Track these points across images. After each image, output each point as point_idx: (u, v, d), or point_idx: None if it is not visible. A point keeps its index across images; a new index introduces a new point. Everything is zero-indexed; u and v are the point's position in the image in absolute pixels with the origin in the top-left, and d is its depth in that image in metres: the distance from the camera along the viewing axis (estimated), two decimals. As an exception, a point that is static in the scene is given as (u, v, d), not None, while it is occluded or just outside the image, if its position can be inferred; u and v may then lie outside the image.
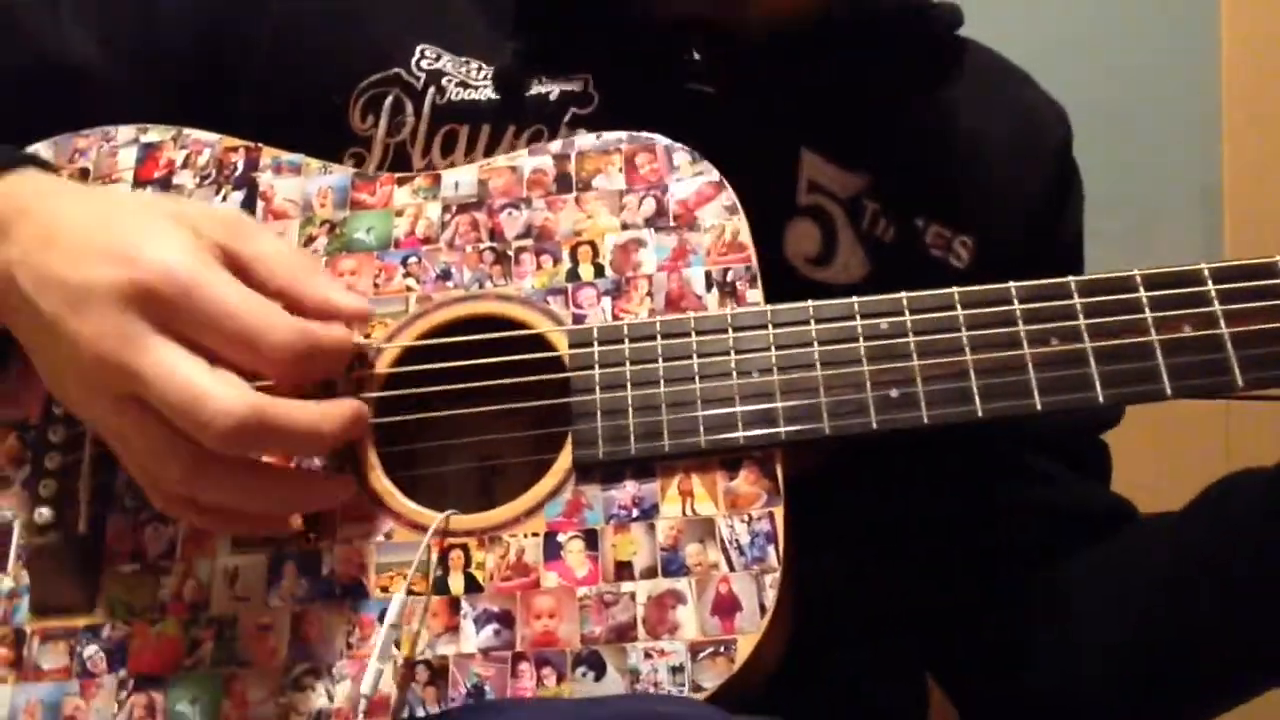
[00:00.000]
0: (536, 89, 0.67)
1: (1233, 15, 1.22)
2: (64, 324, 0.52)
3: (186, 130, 0.68)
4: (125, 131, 0.68)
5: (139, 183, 0.67)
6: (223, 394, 0.50)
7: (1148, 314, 0.56)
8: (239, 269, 0.55)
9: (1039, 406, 0.56)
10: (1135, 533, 0.69)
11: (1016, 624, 0.69)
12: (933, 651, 0.75)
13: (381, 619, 0.56)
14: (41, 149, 0.68)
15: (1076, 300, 0.57)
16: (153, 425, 0.52)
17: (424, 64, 0.68)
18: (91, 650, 0.57)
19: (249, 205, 0.66)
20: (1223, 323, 0.55)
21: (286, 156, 0.67)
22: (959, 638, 0.73)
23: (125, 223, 0.55)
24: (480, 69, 0.68)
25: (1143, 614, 0.63)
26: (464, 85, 0.67)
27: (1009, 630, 0.70)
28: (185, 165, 0.67)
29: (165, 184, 0.67)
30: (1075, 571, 0.68)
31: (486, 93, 0.67)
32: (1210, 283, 0.56)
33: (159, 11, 0.71)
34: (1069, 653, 0.66)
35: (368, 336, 0.62)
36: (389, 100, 0.67)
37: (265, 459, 0.57)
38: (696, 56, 0.66)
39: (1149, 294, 0.56)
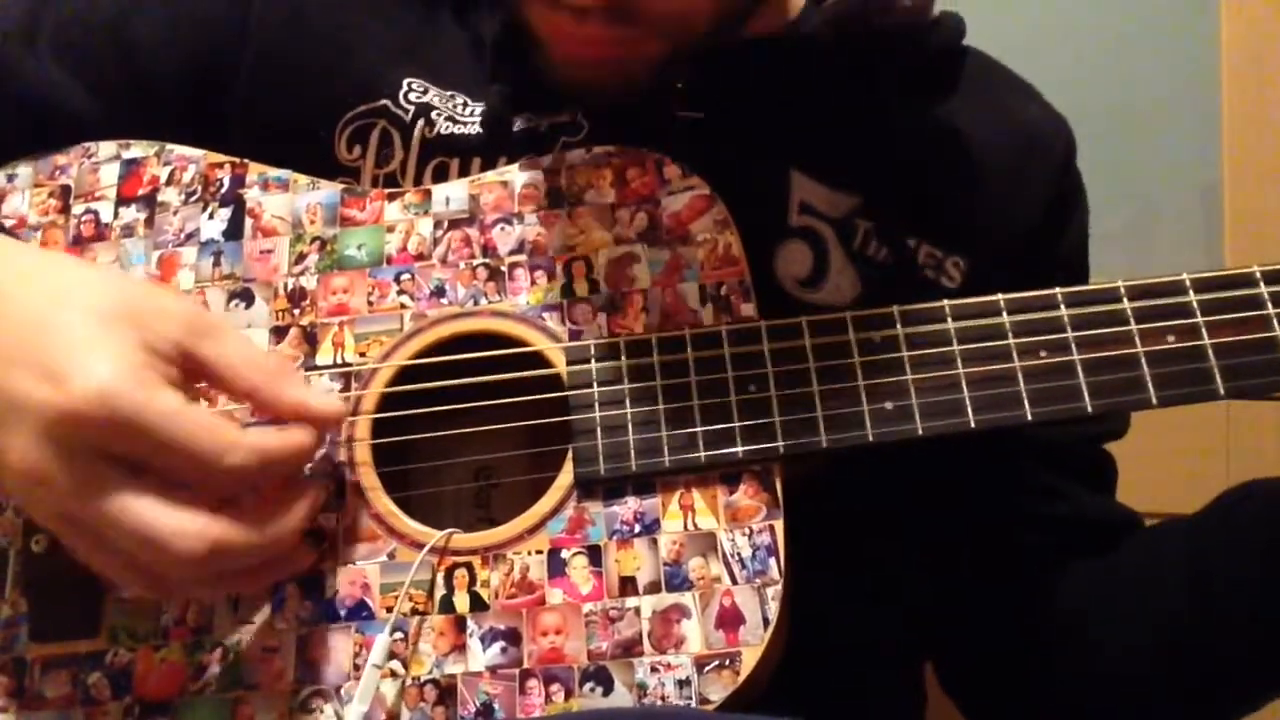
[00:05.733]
0: (525, 125, 0.66)
1: (1233, 15, 1.23)
2: None
3: (169, 146, 0.67)
4: (107, 148, 0.67)
5: (122, 200, 0.66)
6: (180, 534, 0.49)
7: (1133, 325, 0.58)
8: (198, 371, 0.53)
9: (1029, 417, 0.57)
10: (1147, 538, 0.70)
11: (1025, 633, 0.71)
12: (941, 660, 0.77)
13: (391, 634, 0.56)
14: (21, 166, 0.67)
15: (1064, 312, 0.58)
16: (101, 552, 0.51)
17: (411, 96, 0.67)
18: (95, 677, 0.57)
19: (236, 222, 0.65)
20: (1205, 333, 0.57)
21: (273, 172, 0.66)
22: (966, 647, 0.75)
23: (68, 327, 0.50)
24: (467, 105, 0.67)
25: (1156, 619, 0.64)
26: (452, 120, 0.67)
27: (1017, 639, 0.71)
28: (170, 182, 0.66)
29: (149, 201, 0.66)
30: (1084, 581, 0.69)
31: (475, 128, 0.67)
32: (1192, 293, 0.58)
33: (139, 48, 0.69)
34: (1080, 660, 0.68)
35: (364, 355, 0.62)
36: (376, 132, 0.67)
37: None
38: (680, 85, 0.66)
39: (1133, 305, 0.58)
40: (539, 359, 0.61)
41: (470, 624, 0.57)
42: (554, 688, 0.55)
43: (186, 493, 0.50)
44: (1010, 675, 0.73)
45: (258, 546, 0.52)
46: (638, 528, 0.57)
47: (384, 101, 0.67)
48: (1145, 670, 0.65)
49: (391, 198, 0.65)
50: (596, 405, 0.59)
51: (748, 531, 0.57)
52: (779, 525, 0.57)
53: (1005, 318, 0.59)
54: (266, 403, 0.54)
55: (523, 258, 0.63)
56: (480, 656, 0.56)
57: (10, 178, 0.67)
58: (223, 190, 0.66)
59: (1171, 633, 0.63)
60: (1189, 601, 0.62)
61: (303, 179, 0.66)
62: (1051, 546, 0.71)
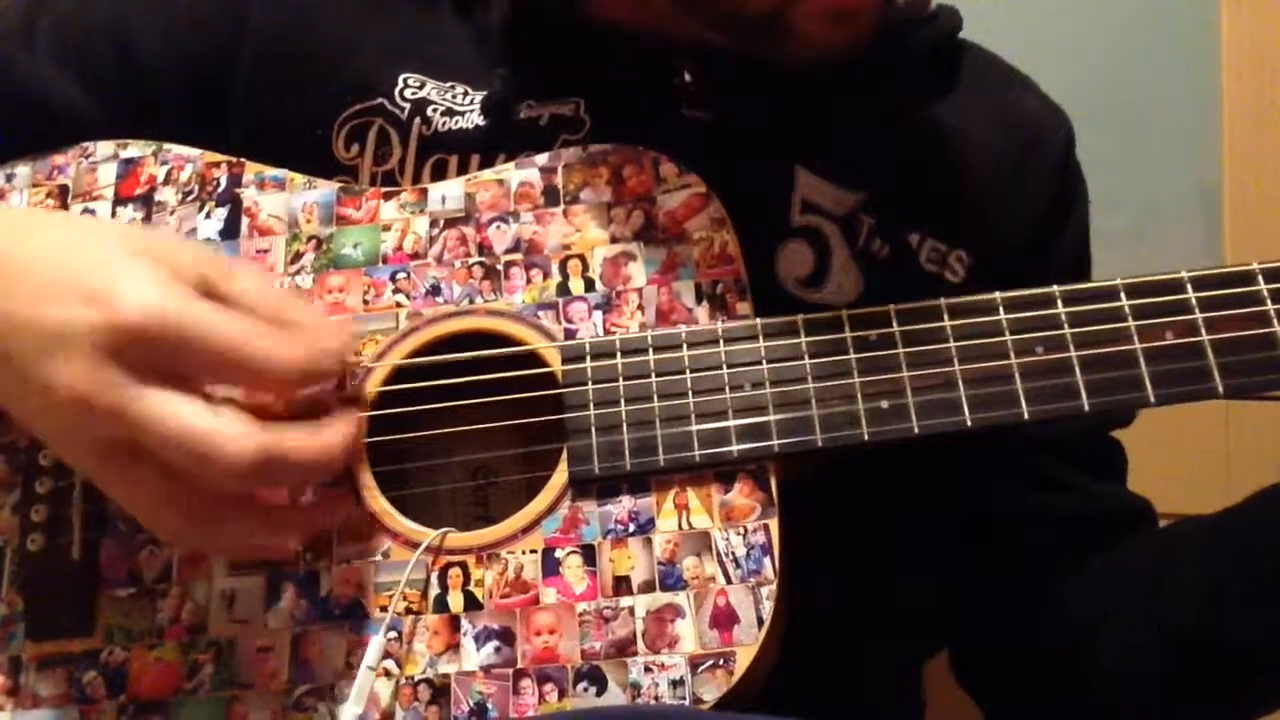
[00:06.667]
0: (526, 113, 0.66)
1: (1233, 15, 1.23)
2: (34, 370, 0.50)
3: (167, 145, 0.67)
4: (104, 147, 0.67)
5: (120, 199, 0.66)
6: (231, 436, 0.50)
7: (1130, 322, 0.57)
8: (221, 302, 0.53)
9: (1026, 415, 0.57)
10: (1163, 537, 0.69)
11: (1039, 630, 0.70)
12: (956, 657, 0.76)
13: (385, 635, 0.56)
14: (19, 166, 0.67)
15: (1061, 309, 0.58)
16: (146, 475, 0.51)
17: (407, 94, 0.67)
18: (90, 676, 0.57)
19: (233, 221, 0.65)
20: (1203, 330, 0.56)
21: (270, 172, 0.66)
22: (981, 644, 0.75)
23: (96, 257, 0.52)
24: (466, 94, 0.67)
25: (1171, 620, 0.64)
26: (450, 113, 0.66)
27: (1032, 636, 0.71)
28: (167, 181, 0.66)
29: (147, 200, 0.66)
30: (1099, 578, 0.69)
31: (474, 118, 0.66)
32: (1191, 290, 0.57)
33: (137, 48, 0.69)
34: (1094, 658, 0.67)
35: (359, 354, 0.62)
36: (373, 131, 0.67)
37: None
38: (688, 78, 0.66)
39: (1131, 302, 0.58)
40: (534, 358, 0.61)
41: (464, 623, 0.56)
42: (547, 687, 0.55)
43: (235, 404, 0.51)
44: (1026, 672, 0.72)
45: (308, 453, 0.52)
46: (632, 527, 0.57)
47: (380, 100, 0.67)
48: (1159, 670, 0.64)
49: (387, 196, 0.65)
50: (591, 404, 0.59)
51: (742, 531, 0.57)
52: (774, 524, 0.57)
53: (1002, 315, 0.58)
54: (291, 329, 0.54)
55: (518, 256, 0.63)
56: (474, 656, 0.56)
57: (8, 177, 0.67)
58: (219, 189, 0.66)
59: (1186, 633, 0.63)
60: (1204, 604, 0.61)
61: (299, 178, 0.66)
62: (1062, 539, 0.70)
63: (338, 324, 0.58)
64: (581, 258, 0.63)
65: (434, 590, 0.57)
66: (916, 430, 0.57)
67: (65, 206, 0.66)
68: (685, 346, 0.59)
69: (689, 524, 0.57)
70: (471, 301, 0.62)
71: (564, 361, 0.60)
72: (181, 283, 0.52)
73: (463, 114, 0.67)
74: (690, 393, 0.58)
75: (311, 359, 0.53)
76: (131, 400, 0.49)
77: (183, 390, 0.50)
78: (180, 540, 0.57)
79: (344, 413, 0.57)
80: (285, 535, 0.56)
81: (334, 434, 0.54)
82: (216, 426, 0.50)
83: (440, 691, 0.55)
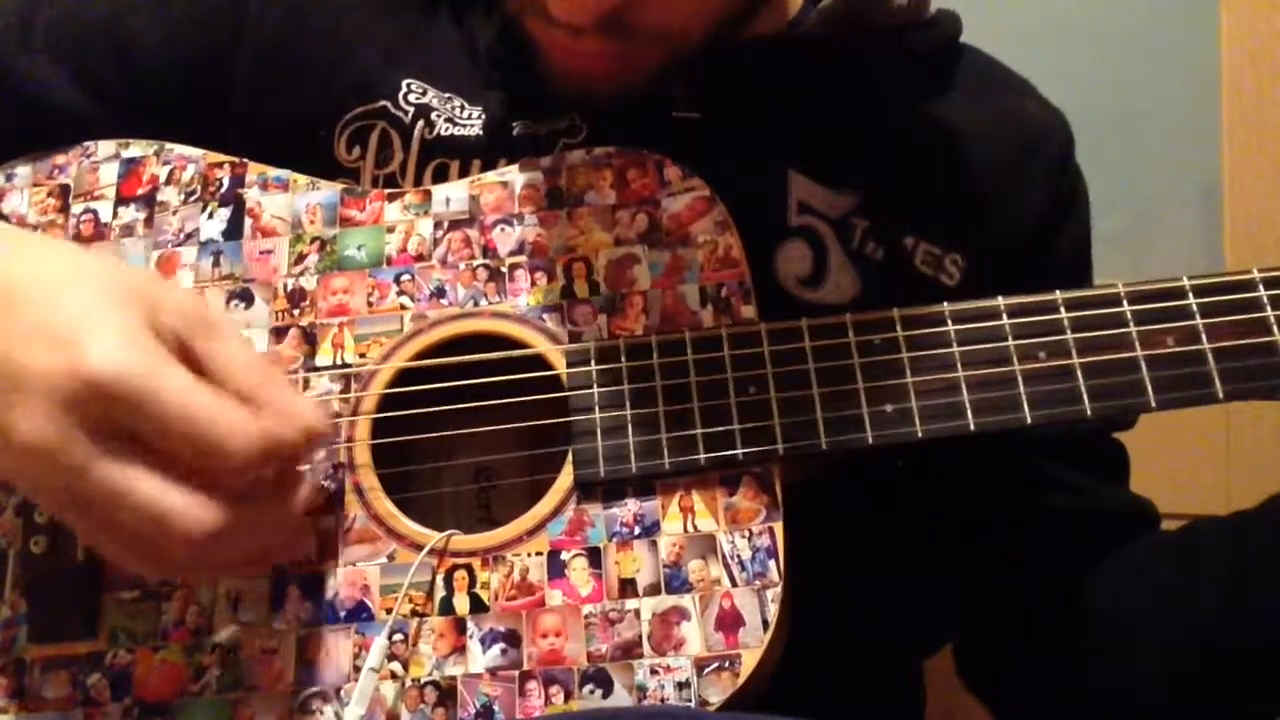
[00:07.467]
0: (522, 130, 0.66)
1: (1232, 15, 1.23)
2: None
3: (169, 145, 0.67)
4: (105, 147, 0.67)
5: (121, 199, 0.66)
6: (183, 514, 0.48)
7: (1132, 328, 0.58)
8: (195, 364, 0.52)
9: (1029, 420, 0.57)
10: (1181, 534, 0.69)
11: (1046, 633, 0.70)
12: (962, 661, 0.77)
13: (389, 637, 0.56)
14: (20, 166, 0.67)
15: (1064, 315, 0.58)
16: (102, 529, 0.50)
17: (411, 98, 0.67)
18: (94, 679, 0.57)
19: (236, 222, 0.65)
20: (1204, 336, 0.57)
21: (273, 172, 0.66)
22: (988, 646, 0.75)
23: (71, 300, 0.50)
24: (464, 108, 0.67)
25: (1189, 620, 0.64)
26: (451, 122, 0.66)
27: (1038, 639, 0.71)
28: (169, 181, 0.66)
29: (149, 200, 0.66)
30: (1112, 580, 0.69)
31: (475, 130, 0.67)
32: (1192, 296, 0.58)
33: (135, 47, 0.69)
34: (1108, 661, 0.67)
35: (363, 356, 0.62)
36: (375, 133, 0.67)
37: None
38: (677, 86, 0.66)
39: (1133, 308, 0.58)
40: (539, 360, 0.61)
41: (470, 625, 0.57)
42: (553, 689, 0.55)
43: (193, 475, 0.50)
44: (1032, 673, 0.72)
45: (265, 524, 0.52)
46: (637, 529, 0.57)
47: (383, 103, 0.67)
48: (1175, 669, 0.64)
49: (391, 198, 0.65)
50: (596, 407, 0.59)
51: (747, 534, 0.57)
52: (778, 527, 0.57)
53: (1005, 321, 0.59)
54: (258, 405, 0.52)
55: (523, 259, 0.63)
56: (480, 658, 0.56)
57: (9, 177, 0.67)
58: (222, 190, 0.66)
59: (1206, 633, 0.63)
60: (1226, 603, 0.61)
61: (302, 179, 0.66)
62: (1065, 540, 0.70)
63: (310, 407, 0.54)
64: (586, 260, 0.63)
65: (439, 592, 0.57)
66: (920, 434, 0.57)
67: (66, 206, 0.66)
68: (690, 349, 0.60)
69: (694, 527, 0.57)
70: (476, 304, 0.62)
71: (569, 364, 0.60)
72: (156, 340, 0.50)
73: (464, 125, 0.67)
74: (695, 396, 0.59)
75: (270, 444, 0.50)
76: (90, 464, 0.47)
77: (140, 456, 0.49)
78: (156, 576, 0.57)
79: (304, 479, 0.55)
80: (263, 568, 0.57)
81: (292, 504, 0.53)
82: (172, 501, 0.48)
83: (446, 694, 0.56)
